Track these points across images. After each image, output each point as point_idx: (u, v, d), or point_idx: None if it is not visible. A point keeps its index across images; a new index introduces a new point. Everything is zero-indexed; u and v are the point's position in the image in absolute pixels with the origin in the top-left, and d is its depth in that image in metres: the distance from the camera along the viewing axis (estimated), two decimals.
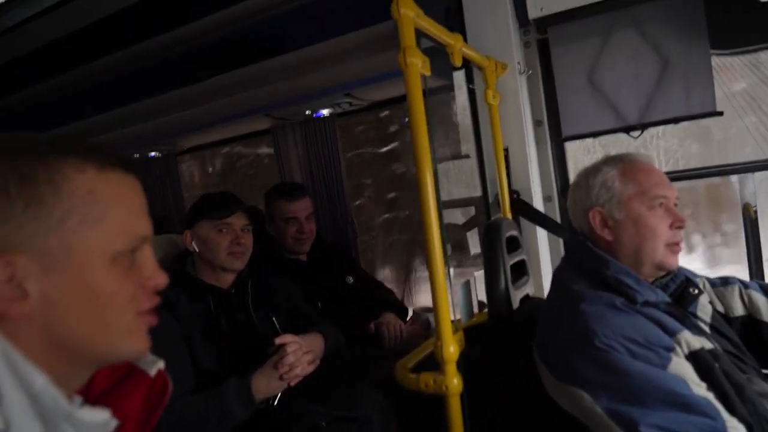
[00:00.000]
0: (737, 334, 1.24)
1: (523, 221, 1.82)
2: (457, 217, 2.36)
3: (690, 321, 1.13)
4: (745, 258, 1.75)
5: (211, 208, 1.72)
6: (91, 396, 0.65)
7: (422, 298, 3.53)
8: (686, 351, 1.05)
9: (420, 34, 1.24)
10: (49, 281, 0.57)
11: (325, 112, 2.92)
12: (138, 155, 3.74)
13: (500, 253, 1.42)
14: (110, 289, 0.60)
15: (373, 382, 1.46)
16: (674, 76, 1.72)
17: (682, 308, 1.17)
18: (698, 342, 1.06)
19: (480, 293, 1.98)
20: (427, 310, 2.31)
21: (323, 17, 2.27)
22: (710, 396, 0.97)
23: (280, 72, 2.41)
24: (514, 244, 1.54)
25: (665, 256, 1.18)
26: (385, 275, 3.76)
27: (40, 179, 0.57)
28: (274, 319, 1.72)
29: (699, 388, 0.98)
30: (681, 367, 1.00)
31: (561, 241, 1.82)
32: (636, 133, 1.82)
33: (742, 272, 1.67)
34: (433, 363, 1.18)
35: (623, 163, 1.25)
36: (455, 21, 1.83)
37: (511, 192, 1.80)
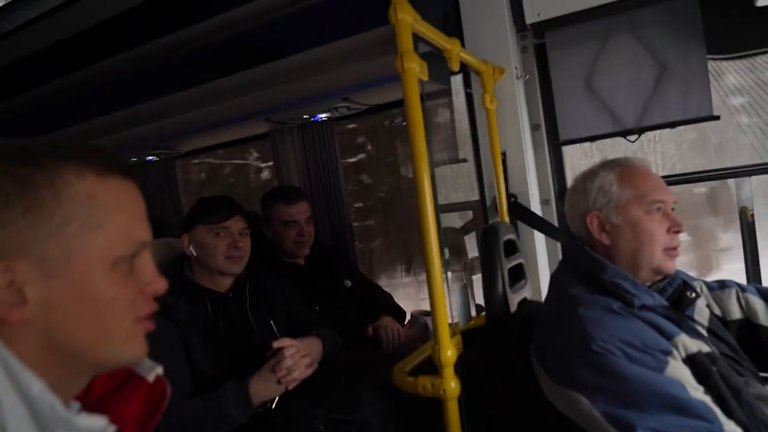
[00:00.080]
0: (734, 338, 1.24)
1: (521, 225, 1.83)
2: (455, 221, 2.37)
3: (687, 324, 1.14)
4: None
5: (209, 212, 1.71)
6: (89, 401, 0.65)
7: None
8: (683, 354, 1.05)
9: (417, 38, 1.24)
10: (49, 286, 0.57)
11: (323, 116, 2.92)
12: (136, 159, 3.74)
13: (498, 256, 1.42)
14: (109, 294, 0.60)
15: (371, 385, 1.46)
16: (671, 80, 1.72)
17: (679, 312, 1.18)
18: (695, 345, 1.07)
19: (478, 297, 1.99)
20: (425, 313, 2.30)
21: (323, 21, 2.28)
22: (707, 399, 0.97)
23: (280, 75, 2.41)
24: (511, 248, 1.55)
25: (663, 260, 1.19)
26: None
27: (40, 184, 0.57)
28: (272, 322, 1.72)
29: (696, 392, 0.98)
30: (678, 371, 1.00)
31: (558, 244, 1.83)
32: (633, 138, 1.83)
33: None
34: (431, 366, 1.18)
35: (621, 167, 1.25)
36: (453, 26, 1.83)
37: (509, 196, 1.81)
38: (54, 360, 0.58)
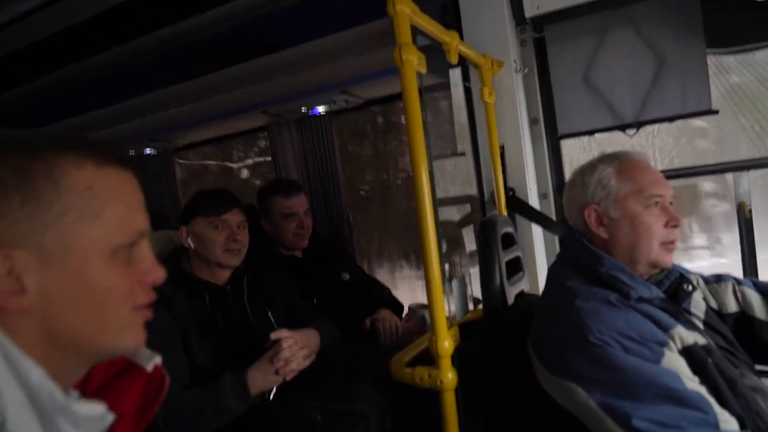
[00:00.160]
0: (730, 330, 1.25)
1: (519, 218, 1.83)
2: (453, 215, 2.37)
3: (684, 317, 1.14)
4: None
5: (207, 204, 1.71)
6: (88, 391, 0.66)
7: None
8: (680, 346, 1.06)
9: (416, 31, 1.24)
10: (48, 276, 0.57)
11: (320, 109, 2.91)
12: (134, 152, 3.73)
13: (495, 249, 1.43)
14: (108, 284, 0.60)
15: (369, 378, 1.46)
16: (670, 74, 1.73)
17: (676, 304, 1.18)
18: (691, 337, 1.07)
19: (476, 291, 1.99)
20: (423, 306, 2.31)
21: (320, 14, 2.27)
22: (702, 390, 0.98)
23: (277, 68, 2.41)
24: (509, 241, 1.55)
25: (660, 254, 1.19)
26: None
27: (39, 174, 0.57)
28: (270, 314, 1.72)
29: (692, 383, 0.99)
30: (674, 362, 1.01)
31: (556, 238, 1.83)
32: (632, 131, 1.83)
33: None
34: (429, 358, 1.18)
35: (620, 161, 1.25)
36: (451, 18, 1.83)
37: (507, 189, 1.81)
38: (53, 349, 0.58)
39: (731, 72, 1.92)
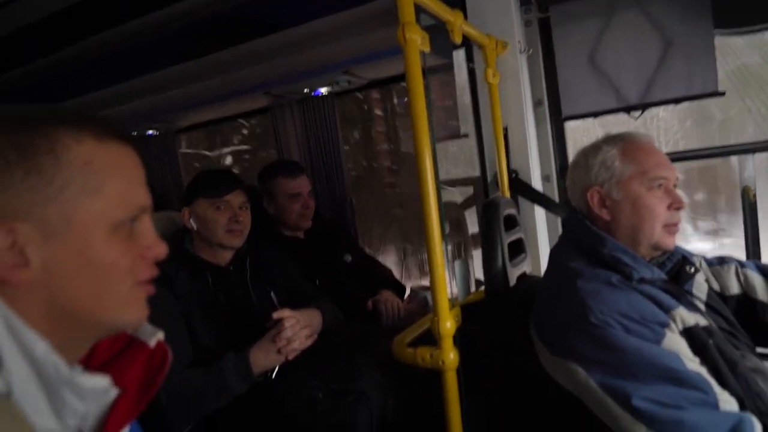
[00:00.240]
0: (732, 312, 1.25)
1: (522, 200, 1.83)
2: (456, 196, 2.37)
3: (686, 298, 1.14)
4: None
5: (209, 186, 1.71)
6: (91, 367, 0.66)
7: None
8: (681, 327, 1.06)
9: (420, 10, 1.23)
10: (50, 250, 0.57)
11: (323, 90, 2.89)
12: (136, 133, 3.72)
13: (498, 230, 1.43)
14: (110, 258, 0.60)
15: (371, 359, 1.47)
16: (676, 55, 1.71)
17: (678, 286, 1.18)
18: (693, 318, 1.07)
19: (478, 273, 2.00)
20: (425, 288, 2.32)
21: None
22: (703, 371, 0.99)
23: (279, 49, 2.38)
24: (511, 223, 1.55)
25: (662, 236, 1.19)
26: None
27: (40, 149, 0.57)
28: (272, 295, 1.73)
29: (692, 363, 0.99)
30: (675, 343, 1.01)
31: (559, 219, 1.83)
32: (636, 113, 1.81)
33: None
34: (431, 339, 1.19)
35: (624, 142, 1.24)
36: None
37: (510, 171, 1.80)
38: (57, 323, 0.58)
39: (738, 53, 1.89)
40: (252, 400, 1.48)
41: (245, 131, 5.03)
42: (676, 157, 1.77)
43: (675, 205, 1.19)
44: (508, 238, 1.47)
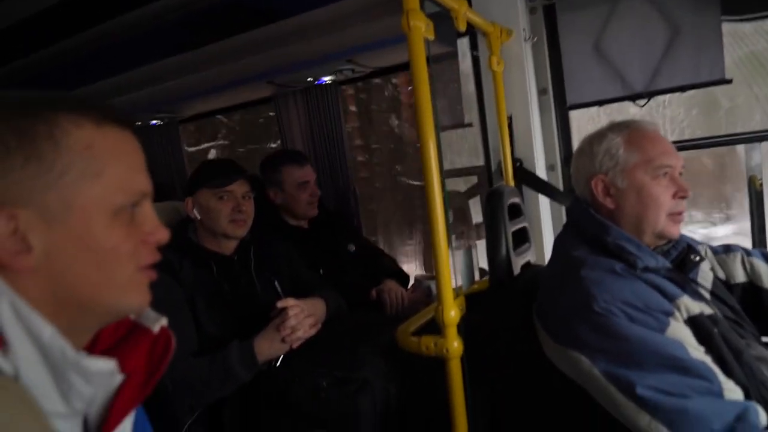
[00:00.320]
0: (738, 301, 1.24)
1: (526, 189, 1.82)
2: (460, 186, 2.36)
3: (690, 287, 1.14)
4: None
5: (212, 176, 1.71)
6: (95, 353, 0.66)
7: None
8: (685, 316, 1.05)
9: None
10: (52, 235, 0.57)
11: (326, 79, 2.88)
12: (140, 123, 3.72)
13: (502, 219, 1.42)
14: (111, 243, 0.60)
15: (375, 348, 1.48)
16: (683, 42, 1.69)
17: (683, 274, 1.18)
18: (698, 307, 1.07)
19: (482, 263, 1.99)
20: (429, 277, 2.32)
21: None
22: (708, 359, 0.98)
23: (281, 37, 2.37)
24: (516, 212, 1.54)
25: (667, 225, 1.18)
26: None
27: (40, 134, 0.57)
28: (276, 284, 1.73)
29: (697, 352, 0.99)
30: (679, 332, 1.01)
31: (563, 209, 1.82)
32: (642, 102, 1.80)
33: None
34: (435, 328, 1.19)
35: (629, 129, 1.23)
36: None
37: (515, 160, 1.80)
38: (60, 308, 0.59)
39: (746, 40, 1.87)
40: (256, 388, 1.49)
41: (224, 130, 5.47)
42: (682, 145, 1.76)
43: (680, 194, 1.18)
44: (512, 227, 1.47)
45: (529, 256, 1.56)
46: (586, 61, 1.84)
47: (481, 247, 1.84)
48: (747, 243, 1.71)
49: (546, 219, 1.87)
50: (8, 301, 0.55)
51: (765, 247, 1.72)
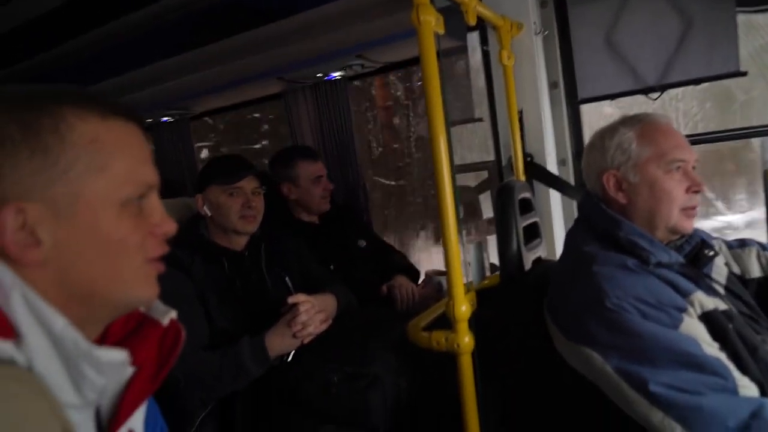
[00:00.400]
0: (753, 296, 1.22)
1: (537, 184, 1.81)
2: (470, 182, 2.35)
3: (704, 282, 1.12)
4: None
5: (222, 172, 1.71)
6: (106, 345, 0.67)
7: None
8: (699, 311, 1.04)
9: None
10: (60, 229, 0.58)
11: (336, 74, 2.88)
12: (151, 120, 3.74)
13: (513, 214, 1.41)
14: (118, 235, 0.61)
15: (386, 343, 1.48)
16: (697, 34, 1.67)
17: (696, 269, 1.16)
18: (712, 303, 1.06)
19: (493, 258, 1.98)
20: (439, 273, 2.31)
21: None
22: (722, 356, 0.97)
23: (291, 34, 2.37)
24: (527, 207, 1.53)
25: (680, 220, 1.16)
26: None
27: (45, 128, 0.57)
28: (287, 280, 1.74)
29: (711, 348, 0.98)
30: (693, 328, 1.00)
31: (574, 204, 1.81)
32: (655, 95, 1.78)
33: None
34: (446, 323, 1.19)
35: (642, 123, 1.22)
36: None
37: (525, 155, 1.78)
38: (70, 301, 0.59)
39: (762, 31, 1.84)
40: (268, 383, 1.50)
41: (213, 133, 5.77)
42: (696, 139, 1.74)
43: (693, 188, 1.16)
44: (523, 222, 1.46)
45: (540, 252, 1.56)
46: (598, 55, 1.82)
47: (491, 242, 1.84)
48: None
49: (557, 214, 1.86)
50: (20, 294, 0.55)
51: None
